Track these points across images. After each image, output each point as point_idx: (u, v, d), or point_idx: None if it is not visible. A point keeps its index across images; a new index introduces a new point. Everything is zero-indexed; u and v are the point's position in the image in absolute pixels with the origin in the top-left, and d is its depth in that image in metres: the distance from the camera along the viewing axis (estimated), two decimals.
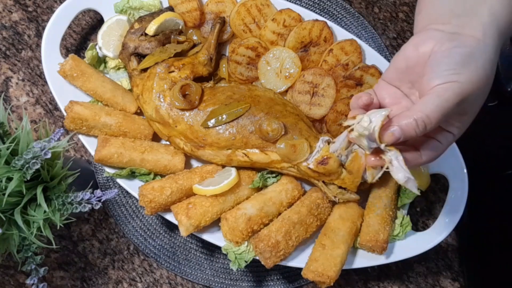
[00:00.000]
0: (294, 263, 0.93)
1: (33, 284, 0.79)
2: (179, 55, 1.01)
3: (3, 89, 1.13)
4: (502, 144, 1.05)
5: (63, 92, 1.01)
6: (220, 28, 1.02)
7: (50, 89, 1.01)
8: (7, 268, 1.05)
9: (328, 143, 0.89)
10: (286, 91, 1.02)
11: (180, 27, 1.04)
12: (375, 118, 0.65)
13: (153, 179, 0.97)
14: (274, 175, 0.97)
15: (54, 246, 0.81)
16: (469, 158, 0.97)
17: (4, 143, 0.79)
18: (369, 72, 1.00)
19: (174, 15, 1.02)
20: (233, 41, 1.04)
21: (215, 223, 0.93)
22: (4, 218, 0.76)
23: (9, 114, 0.84)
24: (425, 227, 1.07)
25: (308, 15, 1.03)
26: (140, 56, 1.00)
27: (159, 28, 0.99)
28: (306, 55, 1.02)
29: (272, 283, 1.05)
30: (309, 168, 0.89)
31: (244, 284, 1.05)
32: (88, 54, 1.03)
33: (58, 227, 0.80)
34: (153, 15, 1.01)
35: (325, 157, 0.87)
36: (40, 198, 0.78)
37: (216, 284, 1.05)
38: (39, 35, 1.16)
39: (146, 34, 0.99)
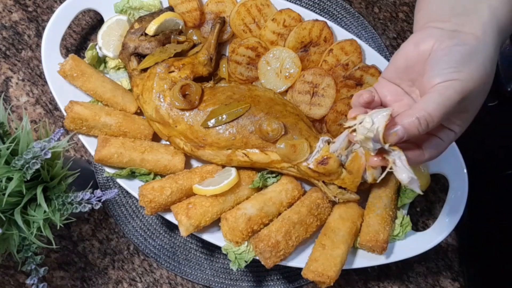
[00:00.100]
0: (294, 263, 0.93)
1: (33, 284, 0.79)
2: (179, 55, 1.01)
3: (3, 89, 1.13)
4: (502, 144, 1.05)
5: (63, 92, 1.01)
6: (220, 28, 1.02)
7: (50, 89, 1.01)
8: (7, 268, 1.05)
9: (328, 143, 0.89)
10: (286, 91, 1.02)
11: (180, 27, 1.04)
12: (377, 119, 0.64)
13: (153, 179, 0.97)
14: (274, 175, 0.97)
15: (54, 246, 0.81)
16: (469, 158, 0.96)
17: (4, 143, 0.79)
18: (369, 72, 1.00)
19: (174, 15, 1.02)
20: (233, 41, 1.04)
21: (215, 223, 0.93)
22: (4, 218, 0.76)
23: (9, 114, 0.84)
24: (425, 227, 1.07)
25: (308, 15, 1.03)
26: (140, 56, 1.00)
27: (159, 28, 0.99)
28: (306, 55, 1.02)
29: (272, 283, 1.05)
30: (309, 168, 0.89)
31: (244, 284, 1.05)
32: (88, 54, 1.03)
33: (58, 227, 0.80)
34: (153, 15, 1.01)
35: (325, 157, 0.87)
36: (40, 198, 0.78)
37: (216, 284, 1.05)
38: (39, 35, 1.16)
39: (146, 34, 0.99)
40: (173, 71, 0.96)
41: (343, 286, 1.05)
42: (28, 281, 0.80)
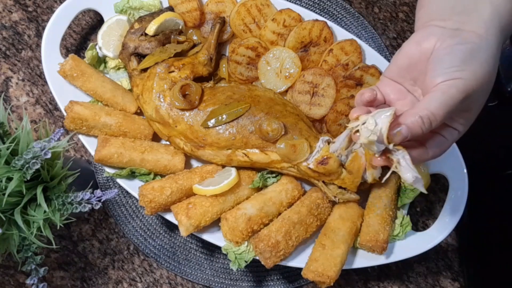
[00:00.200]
0: (294, 263, 0.93)
1: (33, 284, 0.79)
2: (179, 55, 1.01)
3: (3, 89, 1.13)
4: (502, 144, 1.05)
5: (63, 92, 1.01)
6: (220, 28, 1.02)
7: (50, 89, 1.01)
8: (7, 268, 1.05)
9: (328, 143, 0.89)
10: (286, 91, 1.02)
11: (180, 27, 1.04)
12: (380, 119, 0.63)
13: (153, 179, 0.97)
14: (274, 175, 0.97)
15: (54, 246, 0.81)
16: (469, 158, 0.96)
17: (4, 143, 0.79)
18: (369, 72, 1.00)
19: (174, 15, 1.02)
20: (233, 41, 1.04)
21: (215, 223, 0.93)
22: (4, 218, 0.76)
23: (9, 114, 0.84)
24: (425, 227, 1.07)
25: (308, 15, 1.03)
26: (140, 56, 1.00)
27: (159, 28, 0.99)
28: (306, 55, 1.02)
29: (272, 283, 1.05)
30: (309, 168, 0.89)
31: (244, 284, 1.05)
32: (88, 54, 1.03)
33: (58, 227, 0.80)
34: (153, 15, 1.01)
35: (325, 157, 0.87)
36: (40, 198, 0.78)
37: (216, 284, 1.05)
38: (39, 35, 1.16)
39: (146, 34, 0.99)
40: (173, 71, 0.96)
41: (343, 286, 1.05)
42: (28, 281, 0.80)
